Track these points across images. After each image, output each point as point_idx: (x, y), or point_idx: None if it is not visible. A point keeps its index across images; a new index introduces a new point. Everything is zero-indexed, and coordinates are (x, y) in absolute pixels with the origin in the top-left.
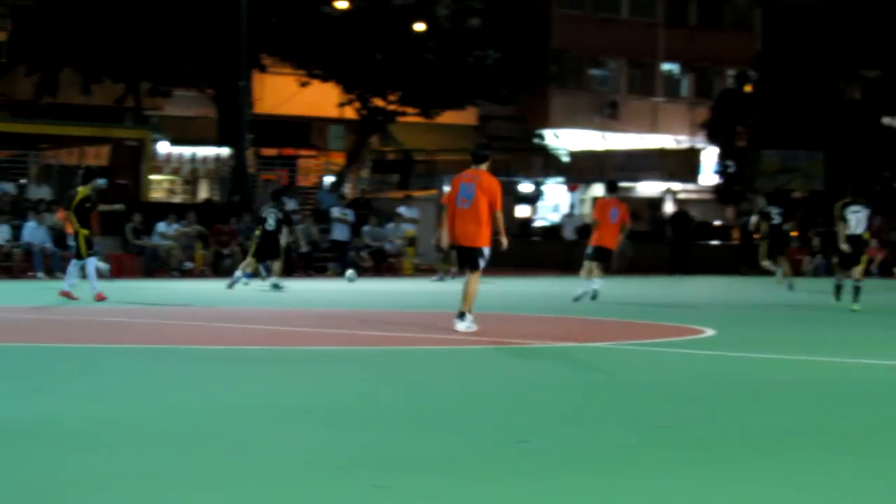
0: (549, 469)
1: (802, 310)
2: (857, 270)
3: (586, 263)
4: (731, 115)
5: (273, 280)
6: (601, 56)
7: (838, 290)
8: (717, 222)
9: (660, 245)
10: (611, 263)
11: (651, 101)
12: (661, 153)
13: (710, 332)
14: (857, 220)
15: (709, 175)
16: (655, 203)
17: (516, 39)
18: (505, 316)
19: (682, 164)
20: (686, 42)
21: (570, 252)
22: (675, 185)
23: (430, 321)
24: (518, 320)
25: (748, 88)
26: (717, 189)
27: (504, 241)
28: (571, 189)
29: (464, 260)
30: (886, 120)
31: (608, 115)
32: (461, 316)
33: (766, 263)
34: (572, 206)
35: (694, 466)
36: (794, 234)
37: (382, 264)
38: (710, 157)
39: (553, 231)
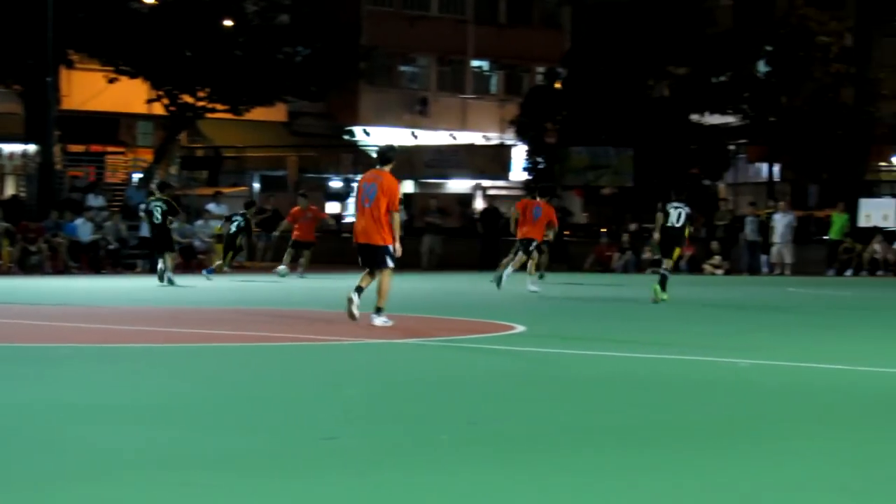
0: (358, 466)
1: (612, 305)
2: (668, 262)
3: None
4: (541, 112)
5: (168, 275)
6: (411, 53)
7: (664, 280)
8: None
9: (470, 241)
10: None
11: (461, 98)
12: (471, 150)
13: (520, 328)
14: (676, 214)
15: (519, 171)
16: (465, 199)
17: (326, 36)
18: (317, 313)
19: (492, 161)
20: (496, 39)
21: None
22: (485, 182)
23: (237, 318)
24: (330, 317)
25: (557, 85)
26: (526, 185)
27: (398, 246)
28: None
29: (366, 258)
30: (695, 117)
31: (418, 111)
32: (378, 311)
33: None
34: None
35: (503, 462)
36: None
37: (191, 261)
38: (519, 153)
39: None
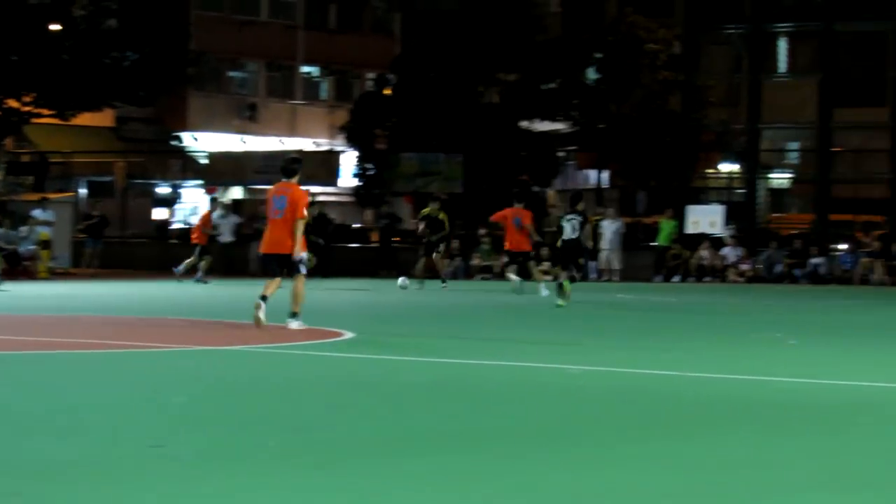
0: (185, 473)
1: (442, 311)
2: (564, 274)
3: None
4: (371, 119)
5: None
6: (240, 58)
7: (561, 288)
8: (356, 225)
9: None
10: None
11: (290, 104)
12: (301, 156)
13: (349, 335)
14: (571, 227)
15: (348, 178)
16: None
17: (154, 41)
18: (142, 320)
19: (322, 167)
20: (326, 45)
21: (228, 253)
22: (315, 188)
23: (64, 325)
24: (157, 324)
25: (387, 92)
26: (356, 192)
27: (302, 251)
28: (210, 192)
29: (276, 267)
30: (524, 123)
31: (247, 117)
32: (293, 316)
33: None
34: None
35: (329, 468)
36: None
37: (17, 268)
38: (349, 159)
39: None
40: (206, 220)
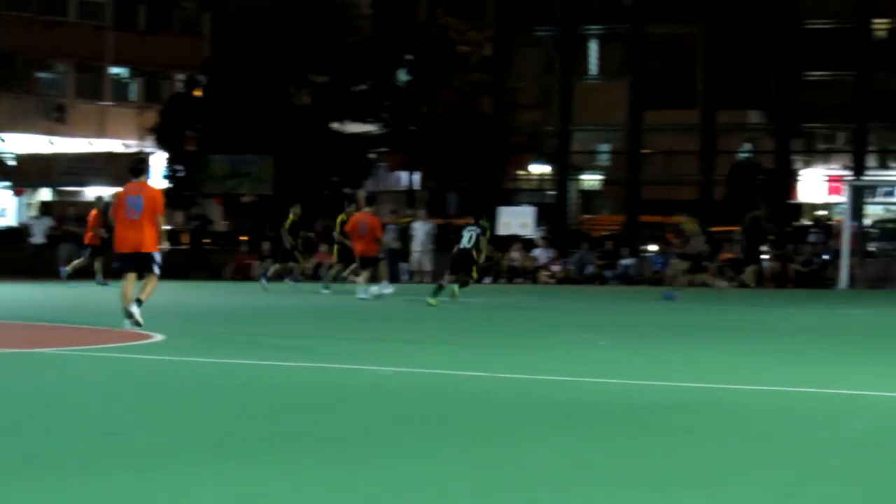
0: None
1: (252, 313)
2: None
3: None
4: (181, 120)
5: None
6: (48, 59)
7: (439, 289)
8: (166, 227)
9: (108, 250)
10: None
11: (99, 105)
12: (110, 157)
13: (159, 337)
14: (468, 237)
15: (158, 180)
16: (105, 207)
17: None
18: None
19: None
20: (135, 46)
21: (40, 255)
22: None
23: None
24: None
25: (197, 93)
26: (166, 193)
27: (165, 244)
28: (17, 193)
29: (136, 265)
30: (335, 125)
31: (55, 118)
32: (138, 302)
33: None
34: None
35: (139, 472)
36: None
37: None
38: (159, 161)
39: (13, 234)
40: (95, 219)
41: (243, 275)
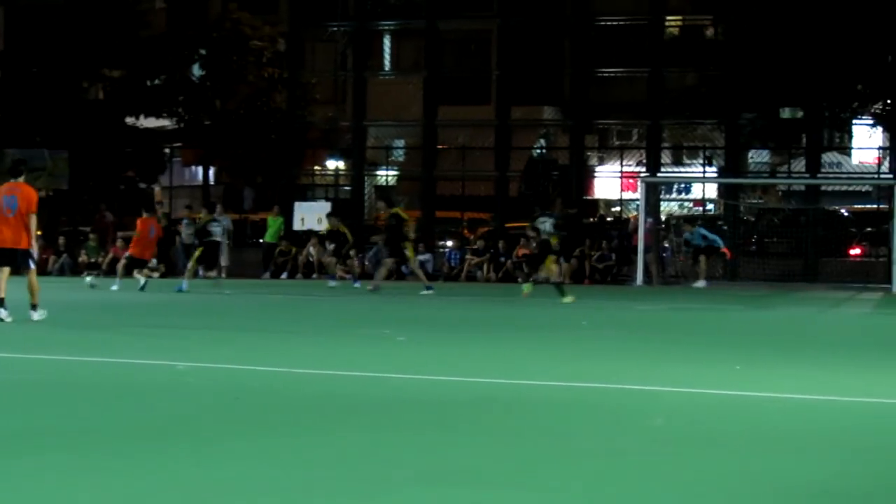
0: None
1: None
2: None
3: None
4: None
5: None
6: None
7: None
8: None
9: None
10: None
11: None
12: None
13: None
14: (544, 228)
15: None
16: None
17: None
18: None
19: None
20: None
21: None
22: None
23: None
24: None
25: None
26: None
27: (36, 246)
28: None
29: (10, 261)
30: (130, 119)
31: None
32: (34, 308)
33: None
34: None
35: None
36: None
37: None
38: None
39: None
40: None
41: (39, 269)
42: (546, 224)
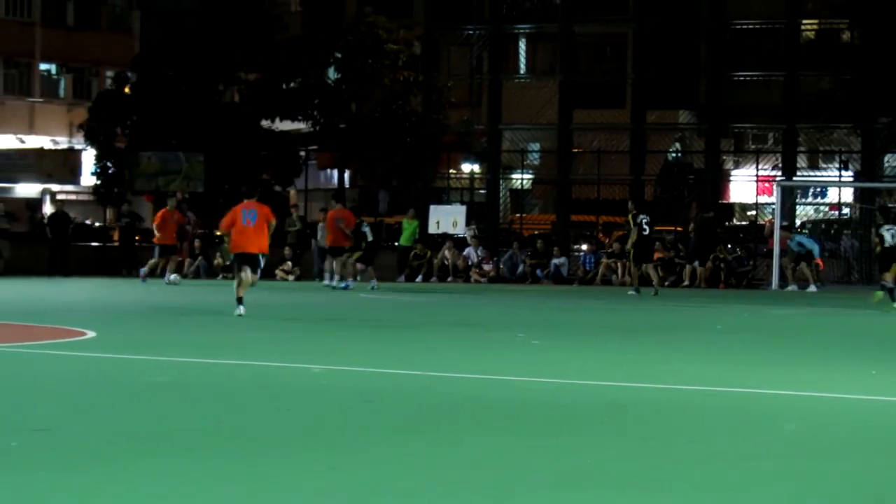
0: None
1: (186, 312)
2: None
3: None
4: (110, 116)
5: None
6: None
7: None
8: (97, 223)
9: (39, 246)
10: None
11: (28, 102)
12: (40, 154)
13: (91, 334)
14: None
15: (88, 176)
16: (34, 204)
17: None
18: None
19: (61, 165)
20: (64, 42)
21: None
22: (55, 186)
23: None
24: None
25: (127, 90)
26: (96, 190)
27: None
28: None
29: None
30: (265, 122)
31: None
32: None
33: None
34: None
35: (73, 468)
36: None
37: None
38: (89, 158)
39: None
40: (164, 220)
41: (179, 268)
42: (891, 231)
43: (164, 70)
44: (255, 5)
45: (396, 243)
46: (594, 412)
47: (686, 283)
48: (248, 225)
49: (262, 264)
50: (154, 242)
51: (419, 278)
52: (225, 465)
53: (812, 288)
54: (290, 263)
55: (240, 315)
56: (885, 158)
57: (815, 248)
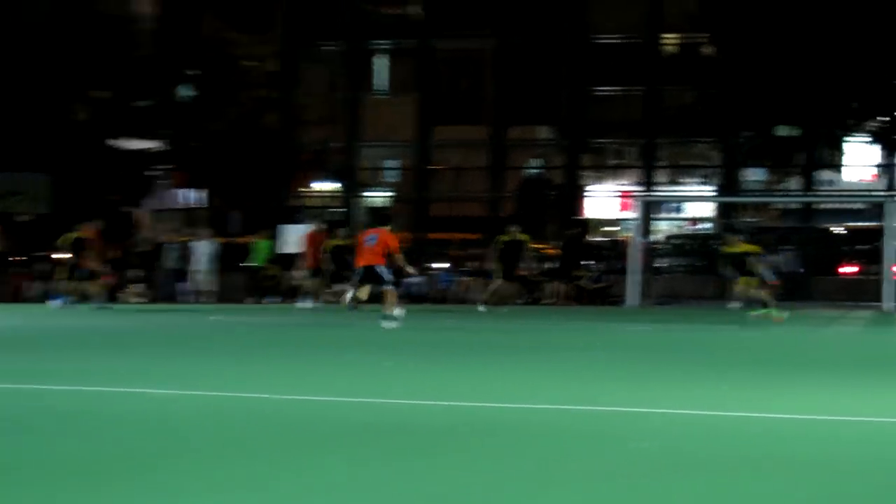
0: None
1: (29, 336)
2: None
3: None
4: None
5: None
6: None
7: None
8: None
9: None
10: None
11: None
12: None
13: None
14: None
15: None
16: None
17: None
18: None
19: None
20: None
21: None
22: None
23: None
24: None
25: None
26: None
27: None
28: None
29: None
30: (115, 141)
31: None
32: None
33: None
34: None
35: None
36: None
37: None
38: None
39: None
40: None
41: (14, 296)
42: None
43: (10, 88)
44: (107, 22)
45: (248, 264)
46: (441, 434)
47: (548, 300)
48: None
49: None
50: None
51: (271, 299)
52: (57, 496)
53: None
54: (140, 286)
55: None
56: (745, 172)
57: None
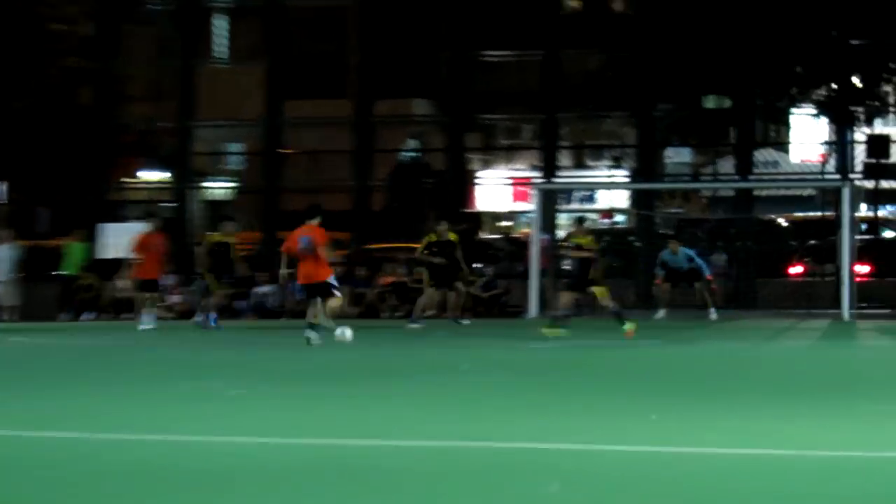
0: None
1: None
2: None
3: None
4: None
5: None
6: None
7: None
8: None
9: None
10: None
11: None
12: None
13: None
14: None
15: None
16: None
17: None
18: None
19: None
20: None
21: None
22: None
23: None
24: None
25: None
26: None
27: None
28: None
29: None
30: None
31: None
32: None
33: None
34: None
35: None
36: None
37: None
38: None
39: None
40: None
41: None
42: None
43: None
44: None
45: (59, 272)
46: (304, 476)
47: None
48: None
49: None
50: None
51: (88, 315)
52: None
53: (713, 314)
54: None
55: None
56: (666, 153)
57: (704, 265)
